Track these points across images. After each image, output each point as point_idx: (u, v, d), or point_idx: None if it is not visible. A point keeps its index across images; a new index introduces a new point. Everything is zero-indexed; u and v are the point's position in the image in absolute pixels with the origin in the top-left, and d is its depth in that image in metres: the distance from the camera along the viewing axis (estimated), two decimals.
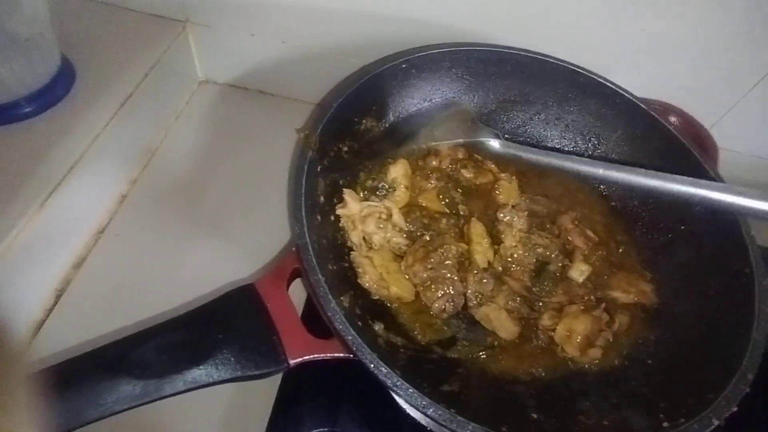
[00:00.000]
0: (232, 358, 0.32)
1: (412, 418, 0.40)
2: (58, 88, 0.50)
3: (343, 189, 0.46)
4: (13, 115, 0.48)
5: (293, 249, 0.36)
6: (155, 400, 0.31)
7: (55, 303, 0.47)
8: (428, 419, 0.33)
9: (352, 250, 0.45)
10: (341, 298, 0.39)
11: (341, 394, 0.44)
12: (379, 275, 0.43)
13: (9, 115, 0.47)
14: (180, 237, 0.53)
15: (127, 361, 0.31)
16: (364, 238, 0.46)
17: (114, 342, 0.32)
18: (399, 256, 0.46)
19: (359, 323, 0.40)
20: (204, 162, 0.59)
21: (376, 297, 0.43)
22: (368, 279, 0.43)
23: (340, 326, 0.32)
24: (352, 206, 0.45)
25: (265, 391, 0.43)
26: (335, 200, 0.46)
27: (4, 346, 0.27)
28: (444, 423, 0.32)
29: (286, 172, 0.54)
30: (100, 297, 0.47)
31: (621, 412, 0.37)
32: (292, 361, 0.34)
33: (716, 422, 0.32)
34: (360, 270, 0.43)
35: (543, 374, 0.41)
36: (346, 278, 0.43)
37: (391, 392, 0.33)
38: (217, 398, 0.42)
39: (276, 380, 0.43)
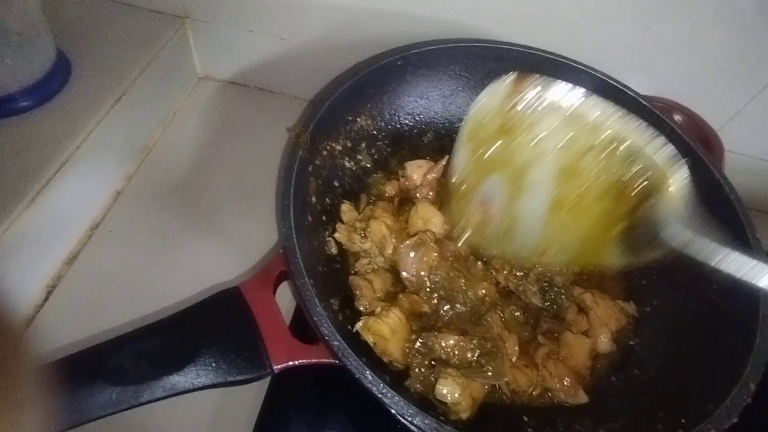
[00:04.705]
0: (214, 364, 0.32)
1: (404, 425, 0.39)
2: (53, 82, 0.50)
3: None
4: (7, 109, 0.47)
5: (280, 251, 0.35)
6: (133, 406, 0.30)
7: (46, 299, 0.47)
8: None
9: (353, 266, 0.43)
10: (331, 300, 0.38)
11: (330, 399, 0.43)
12: (378, 298, 0.41)
13: (3, 109, 0.47)
14: (174, 235, 0.52)
15: (104, 367, 0.30)
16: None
17: (91, 347, 0.31)
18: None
19: (349, 326, 0.39)
20: (201, 159, 0.59)
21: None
22: (365, 302, 0.40)
23: (326, 331, 0.31)
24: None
25: (252, 395, 0.42)
26: (327, 200, 0.45)
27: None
28: None
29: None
30: (91, 294, 0.47)
31: (618, 421, 0.36)
32: (276, 367, 0.33)
33: None
34: (358, 293, 0.41)
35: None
36: (338, 280, 0.42)
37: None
38: (203, 402, 0.42)
39: (263, 384, 0.42)
